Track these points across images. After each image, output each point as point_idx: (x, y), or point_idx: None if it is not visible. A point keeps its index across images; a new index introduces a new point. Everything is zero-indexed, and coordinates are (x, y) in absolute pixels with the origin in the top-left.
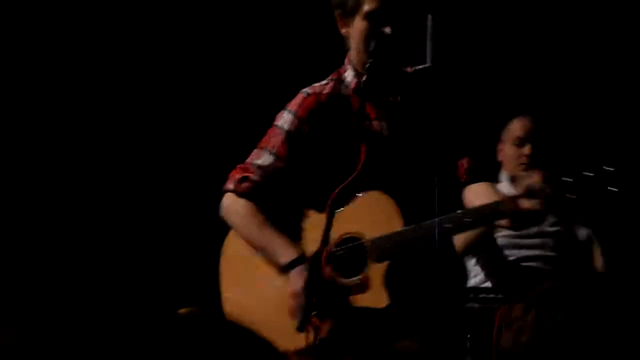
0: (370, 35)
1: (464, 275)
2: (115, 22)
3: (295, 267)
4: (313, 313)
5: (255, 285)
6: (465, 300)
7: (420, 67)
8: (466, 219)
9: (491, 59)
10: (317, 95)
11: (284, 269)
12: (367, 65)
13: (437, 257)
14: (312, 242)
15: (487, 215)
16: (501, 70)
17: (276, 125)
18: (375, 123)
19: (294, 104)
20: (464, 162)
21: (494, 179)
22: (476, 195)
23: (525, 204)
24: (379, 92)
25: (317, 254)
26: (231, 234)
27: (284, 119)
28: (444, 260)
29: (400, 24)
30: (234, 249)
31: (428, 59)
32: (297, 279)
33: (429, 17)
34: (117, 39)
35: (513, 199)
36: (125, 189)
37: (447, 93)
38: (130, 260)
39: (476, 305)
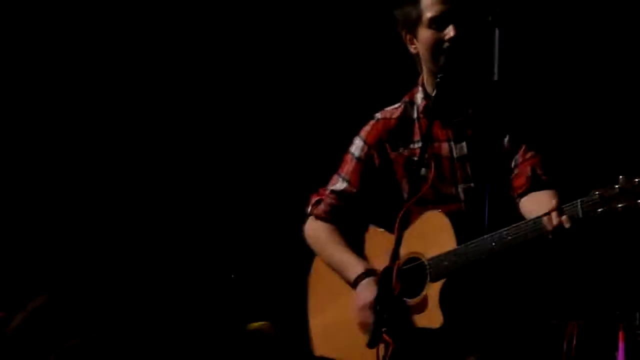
0: (437, 43)
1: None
2: (123, 23)
3: (362, 281)
4: (384, 329)
5: (339, 309)
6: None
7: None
8: (509, 237)
9: (558, 72)
10: (386, 120)
11: (354, 285)
12: (437, 80)
13: (484, 274)
14: (381, 260)
15: (527, 231)
16: (571, 82)
17: (349, 152)
18: (443, 145)
19: (364, 129)
20: (527, 171)
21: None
22: (536, 203)
23: (555, 219)
24: (447, 111)
25: (388, 269)
26: (317, 259)
27: (355, 145)
28: (501, 277)
29: (465, 29)
30: (318, 273)
31: (495, 74)
32: (364, 292)
33: (497, 31)
34: (130, 43)
35: (549, 214)
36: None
37: (515, 110)
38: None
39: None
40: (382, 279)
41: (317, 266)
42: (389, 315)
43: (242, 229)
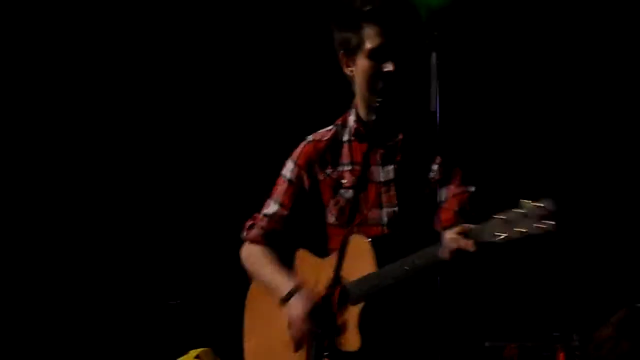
0: (374, 74)
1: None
2: (123, 25)
3: (292, 296)
4: (325, 354)
5: (271, 331)
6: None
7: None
8: (416, 260)
9: (498, 96)
10: (317, 142)
11: (284, 301)
12: (376, 105)
13: (409, 297)
14: (311, 283)
15: (429, 257)
16: (509, 109)
17: (281, 174)
18: (372, 168)
19: (295, 151)
20: (455, 205)
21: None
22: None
23: (460, 243)
24: (379, 134)
25: (329, 295)
26: (253, 284)
27: (287, 167)
28: (419, 300)
29: (404, 61)
30: (253, 297)
31: (433, 99)
32: (294, 306)
33: (434, 55)
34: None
35: (448, 239)
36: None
37: (447, 139)
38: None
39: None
40: (323, 304)
41: (253, 290)
42: (330, 341)
43: (180, 254)
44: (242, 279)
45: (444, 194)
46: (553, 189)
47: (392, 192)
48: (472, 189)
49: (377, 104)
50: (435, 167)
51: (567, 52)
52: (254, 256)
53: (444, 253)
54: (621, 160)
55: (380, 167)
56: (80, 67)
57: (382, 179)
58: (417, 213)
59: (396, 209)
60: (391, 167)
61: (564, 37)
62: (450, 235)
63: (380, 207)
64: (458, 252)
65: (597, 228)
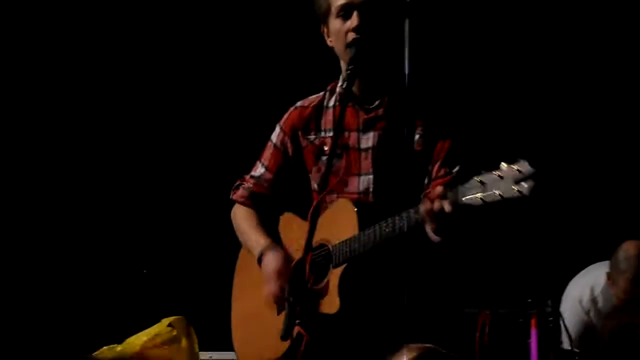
0: (344, 33)
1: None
2: (119, 24)
3: (266, 254)
4: (297, 321)
5: (257, 293)
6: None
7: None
8: (399, 222)
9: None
10: (303, 108)
11: (259, 261)
12: (347, 71)
13: (389, 261)
14: (294, 246)
15: (409, 219)
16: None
17: (270, 138)
18: (352, 134)
19: (283, 117)
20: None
21: None
22: None
23: (437, 204)
24: (361, 99)
25: (301, 261)
26: (243, 246)
27: (274, 132)
28: (408, 265)
29: (370, 16)
30: (243, 261)
31: (406, 66)
32: (267, 264)
33: (406, 21)
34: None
35: (426, 201)
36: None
37: (430, 108)
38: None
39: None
40: (295, 270)
41: (243, 252)
42: (302, 307)
43: (153, 222)
44: (217, 247)
45: (429, 176)
46: (534, 154)
47: (369, 160)
48: (456, 169)
49: (348, 71)
50: (416, 137)
51: (545, 17)
52: (238, 217)
53: (422, 214)
54: (600, 126)
55: (361, 133)
56: (80, 67)
57: (362, 146)
58: (394, 182)
59: (372, 176)
60: (371, 134)
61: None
62: (428, 197)
63: (359, 174)
64: (435, 214)
65: (568, 194)
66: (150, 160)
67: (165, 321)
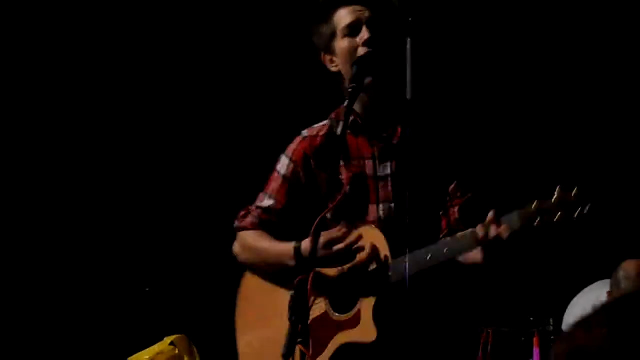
0: (353, 50)
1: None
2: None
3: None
4: (299, 340)
5: (269, 328)
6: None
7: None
8: (445, 249)
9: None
10: (312, 137)
11: (293, 255)
12: (349, 91)
13: (409, 290)
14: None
15: (464, 243)
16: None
17: (275, 170)
18: (367, 162)
19: (290, 147)
20: (455, 212)
21: None
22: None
23: (493, 230)
24: (374, 127)
25: (303, 280)
26: (247, 273)
27: (281, 163)
28: (437, 292)
29: (380, 32)
30: (249, 290)
31: (408, 87)
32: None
33: (408, 41)
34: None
35: (482, 226)
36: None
37: (445, 133)
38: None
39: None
40: (298, 289)
41: (248, 279)
42: (304, 326)
43: (155, 241)
44: (219, 266)
45: (447, 200)
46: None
47: (389, 188)
48: (470, 194)
49: (350, 90)
50: (432, 162)
51: (548, 39)
52: (246, 239)
53: (473, 243)
54: (598, 144)
55: (378, 162)
56: (78, 67)
57: (379, 174)
58: (414, 209)
59: (392, 204)
60: (389, 163)
61: (545, 23)
62: (482, 224)
63: (377, 202)
64: (491, 240)
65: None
66: (155, 177)
67: (168, 339)
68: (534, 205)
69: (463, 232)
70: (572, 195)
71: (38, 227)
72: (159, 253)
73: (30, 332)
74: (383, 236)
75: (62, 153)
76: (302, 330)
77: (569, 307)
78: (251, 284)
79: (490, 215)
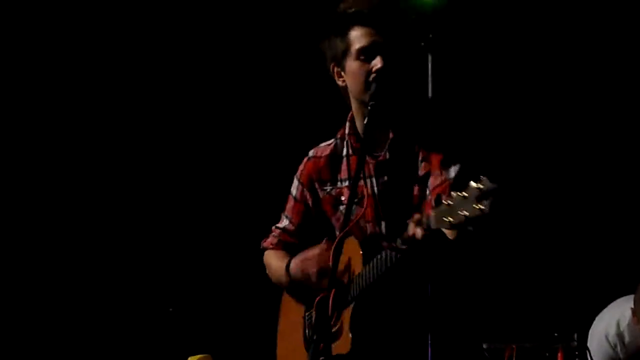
0: (365, 74)
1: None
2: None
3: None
4: (321, 358)
5: (296, 337)
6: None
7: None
8: (385, 254)
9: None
10: (316, 159)
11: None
12: (368, 108)
13: (401, 296)
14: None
15: (394, 248)
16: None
17: (290, 191)
18: (367, 182)
19: (299, 169)
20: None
21: None
22: None
23: (410, 231)
24: (371, 145)
25: (324, 298)
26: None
27: (293, 185)
28: (410, 300)
29: (393, 58)
30: (286, 304)
31: (430, 100)
32: (295, 262)
33: (429, 57)
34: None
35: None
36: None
37: (432, 133)
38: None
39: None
40: (318, 308)
41: (286, 295)
42: (326, 344)
43: (180, 261)
44: (243, 286)
45: (428, 187)
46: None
47: (382, 204)
48: (452, 174)
49: (370, 107)
50: (421, 164)
51: (557, 54)
52: (268, 259)
53: (402, 243)
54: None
55: (375, 179)
56: (79, 67)
57: (377, 191)
58: (405, 217)
59: (384, 222)
60: (385, 179)
61: (556, 38)
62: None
63: (378, 220)
64: (410, 240)
65: (595, 228)
66: (183, 197)
67: (193, 359)
68: (446, 202)
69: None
70: (477, 189)
71: (61, 242)
72: (184, 273)
73: (54, 351)
74: (357, 244)
75: (89, 164)
76: (324, 349)
77: (593, 324)
78: (287, 298)
79: (415, 216)
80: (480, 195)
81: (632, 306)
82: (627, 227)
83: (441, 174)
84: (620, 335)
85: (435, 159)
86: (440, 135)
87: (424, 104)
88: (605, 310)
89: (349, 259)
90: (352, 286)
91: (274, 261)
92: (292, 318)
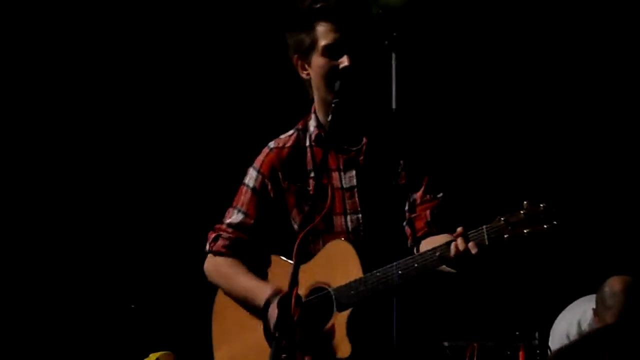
0: (330, 71)
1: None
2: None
3: (273, 301)
4: (283, 356)
5: (244, 339)
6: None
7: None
8: (415, 264)
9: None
10: (279, 149)
11: (265, 307)
12: (332, 105)
13: (394, 303)
14: (285, 288)
15: (433, 259)
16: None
17: (244, 183)
18: (334, 174)
19: (258, 159)
20: (427, 215)
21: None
22: (437, 243)
23: (461, 245)
24: (341, 139)
25: (286, 296)
26: (219, 293)
27: (249, 176)
28: (407, 305)
29: (359, 56)
30: (221, 306)
31: (393, 99)
32: (273, 312)
33: (393, 56)
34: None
35: (449, 242)
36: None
37: (413, 142)
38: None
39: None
40: (281, 305)
41: (220, 299)
42: (288, 342)
43: (140, 258)
44: (204, 282)
45: (411, 200)
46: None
47: (355, 199)
48: (440, 195)
49: (334, 104)
50: (397, 171)
51: (527, 52)
52: (222, 267)
53: (445, 255)
54: (582, 159)
55: (343, 173)
56: (77, 67)
57: (344, 185)
58: (382, 218)
59: (360, 215)
60: (353, 173)
61: (525, 38)
62: (450, 239)
63: (345, 214)
64: (461, 255)
65: (557, 228)
66: (142, 195)
67: (153, 356)
68: (502, 219)
69: (433, 248)
70: (540, 208)
71: (27, 239)
72: (145, 270)
73: (15, 348)
74: (353, 249)
75: (54, 166)
76: (286, 346)
77: (554, 324)
78: (223, 299)
79: (459, 230)
80: (545, 217)
81: (594, 306)
82: (588, 227)
83: (428, 191)
84: (581, 335)
85: (422, 175)
86: (415, 144)
87: (391, 109)
88: (566, 310)
89: (340, 261)
90: (350, 290)
91: (230, 270)
92: (240, 318)
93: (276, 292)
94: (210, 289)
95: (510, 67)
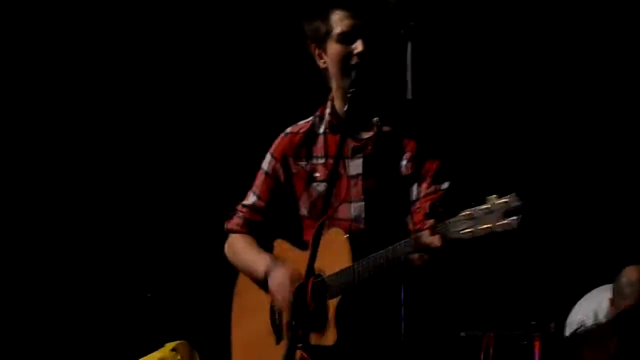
0: (345, 57)
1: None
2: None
3: (272, 270)
4: (299, 345)
5: (256, 322)
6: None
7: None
8: (389, 255)
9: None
10: (293, 134)
11: (265, 277)
12: (348, 94)
13: (374, 292)
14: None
15: (404, 249)
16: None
17: (261, 167)
18: (342, 162)
19: (274, 144)
20: (426, 207)
21: None
22: None
23: (427, 239)
24: (352, 127)
25: (302, 285)
26: (240, 274)
27: (265, 160)
28: (391, 295)
29: (374, 42)
30: (242, 288)
31: (409, 90)
32: (275, 277)
33: (409, 45)
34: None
35: (418, 234)
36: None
37: (422, 132)
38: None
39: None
40: (297, 295)
41: (241, 280)
42: (304, 331)
43: (157, 247)
44: (220, 272)
45: (415, 192)
46: (527, 183)
47: (360, 186)
48: (445, 185)
49: (350, 94)
50: (404, 162)
51: (543, 43)
52: (235, 244)
53: (412, 247)
54: (590, 154)
55: (350, 160)
56: (77, 67)
57: (351, 173)
58: (385, 208)
59: (363, 203)
60: (360, 161)
61: (541, 28)
62: (419, 232)
63: (350, 201)
64: (425, 249)
65: (572, 217)
66: (159, 184)
67: (169, 346)
68: (465, 213)
69: (406, 240)
70: (505, 202)
71: (40, 230)
72: (161, 259)
73: (31, 336)
74: (347, 241)
75: (62, 156)
76: (302, 335)
77: (570, 314)
78: (244, 279)
79: (429, 222)
80: (509, 211)
81: (610, 296)
82: (605, 217)
83: (434, 183)
84: (597, 324)
85: (429, 166)
86: (425, 135)
87: (406, 99)
88: (582, 300)
89: (333, 249)
90: (339, 278)
91: (243, 247)
92: (253, 300)
93: (276, 263)
94: (226, 278)
95: (527, 59)
